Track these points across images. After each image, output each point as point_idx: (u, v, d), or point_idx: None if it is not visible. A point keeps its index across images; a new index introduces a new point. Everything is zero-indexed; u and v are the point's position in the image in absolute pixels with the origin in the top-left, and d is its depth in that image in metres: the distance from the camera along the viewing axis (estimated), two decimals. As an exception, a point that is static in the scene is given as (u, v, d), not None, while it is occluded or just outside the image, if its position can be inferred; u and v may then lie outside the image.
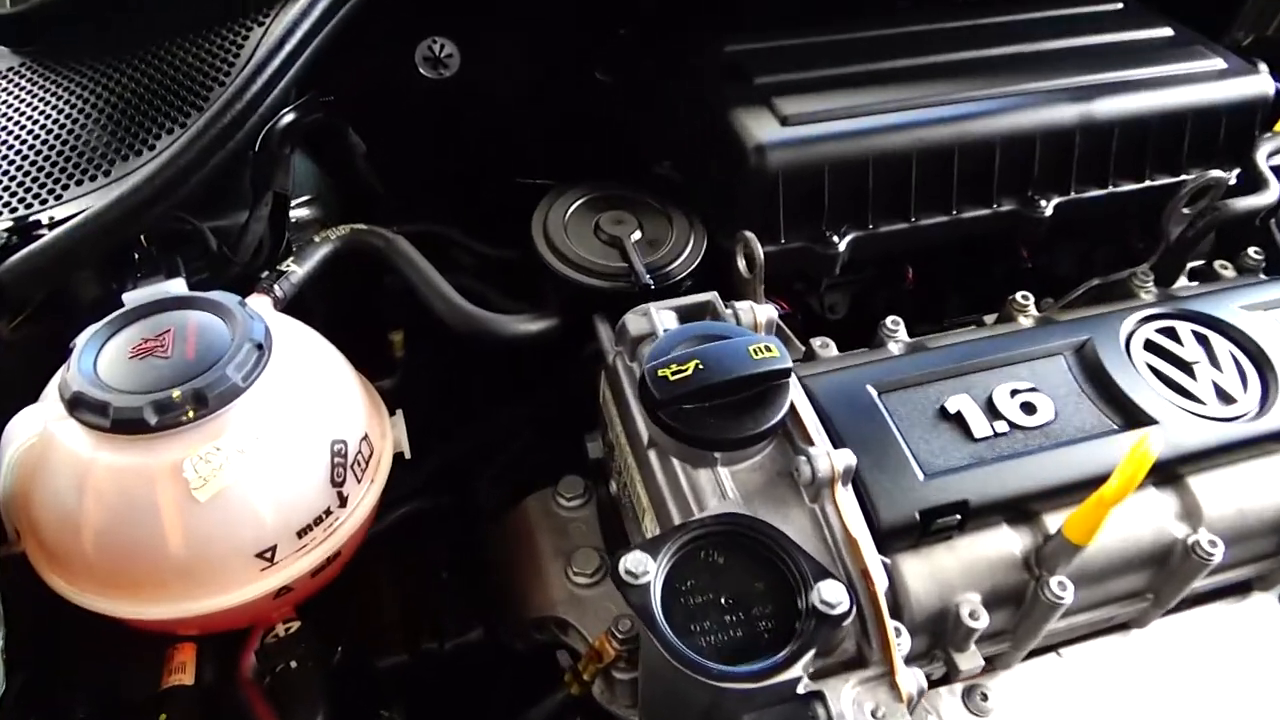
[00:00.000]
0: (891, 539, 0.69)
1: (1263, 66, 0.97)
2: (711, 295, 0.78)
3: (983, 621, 0.69)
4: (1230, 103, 0.95)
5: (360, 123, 0.97)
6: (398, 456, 0.80)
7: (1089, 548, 0.69)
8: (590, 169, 0.94)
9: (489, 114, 1.03)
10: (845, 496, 0.67)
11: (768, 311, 0.76)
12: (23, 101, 0.89)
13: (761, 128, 0.86)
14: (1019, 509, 0.73)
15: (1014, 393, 0.77)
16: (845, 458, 0.66)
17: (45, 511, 0.67)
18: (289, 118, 0.86)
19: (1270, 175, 0.94)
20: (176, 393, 0.64)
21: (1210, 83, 0.95)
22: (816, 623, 0.59)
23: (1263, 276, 0.91)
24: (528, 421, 1.02)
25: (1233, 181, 0.94)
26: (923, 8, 1.01)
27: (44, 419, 0.68)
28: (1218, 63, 0.97)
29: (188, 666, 0.76)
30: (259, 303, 0.77)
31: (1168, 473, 0.75)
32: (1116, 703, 0.78)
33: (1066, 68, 0.94)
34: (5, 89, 0.91)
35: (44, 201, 0.80)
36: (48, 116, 0.87)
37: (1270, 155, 0.96)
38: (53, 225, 0.76)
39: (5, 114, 0.88)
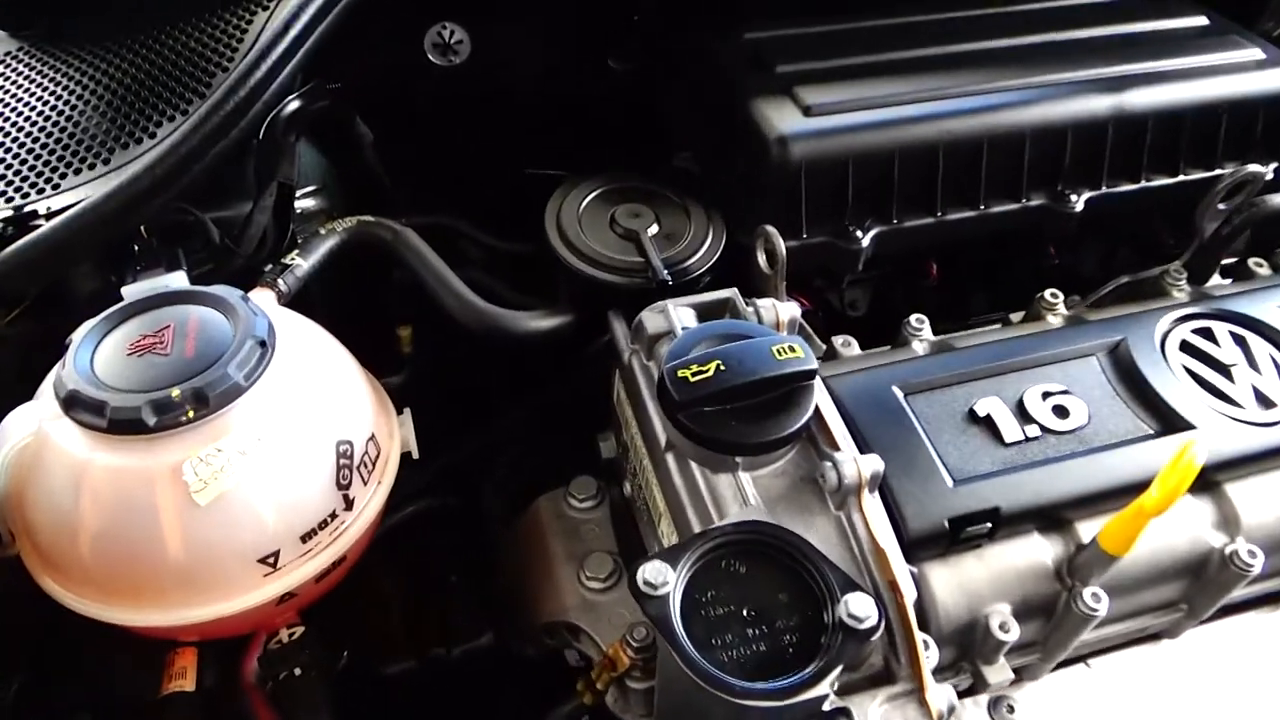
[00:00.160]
0: (919, 548, 0.67)
1: (1303, 57, 0.94)
2: (731, 292, 0.75)
3: (1013, 634, 0.67)
4: (1268, 94, 0.92)
5: (368, 111, 0.95)
6: (405, 456, 0.77)
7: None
8: (605, 160, 0.92)
9: (500, 102, 1.01)
10: (872, 504, 0.64)
11: (790, 309, 0.73)
12: (19, 88, 0.86)
13: (783, 118, 0.83)
14: (1051, 517, 0.70)
15: (1046, 395, 0.74)
16: (873, 463, 0.64)
17: (40, 514, 0.65)
18: (294, 105, 0.84)
19: (1309, 170, 0.91)
20: (176, 392, 0.61)
21: (1247, 73, 0.92)
22: (843, 637, 0.56)
23: (1301, 275, 0.88)
24: (538, 420, 1.00)
25: (1270, 176, 0.91)
26: (951, -7, 0.98)
27: (39, 418, 0.65)
28: (1255, 53, 0.94)
29: (189, 672, 0.73)
30: (262, 297, 0.74)
31: (1205, 479, 0.72)
32: (1147, 715, 0.75)
33: (1099, 57, 0.91)
34: (1, 75, 0.88)
35: (41, 191, 0.78)
36: (45, 103, 0.84)
37: (1309, 149, 0.93)
38: (49, 216, 0.74)
39: (1, 100, 0.85)
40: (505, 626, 0.87)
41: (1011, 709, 0.74)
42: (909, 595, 0.61)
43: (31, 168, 0.79)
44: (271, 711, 0.74)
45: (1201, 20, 0.98)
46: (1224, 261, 0.91)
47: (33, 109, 0.84)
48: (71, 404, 0.62)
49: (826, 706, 0.56)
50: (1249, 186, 0.88)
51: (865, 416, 0.71)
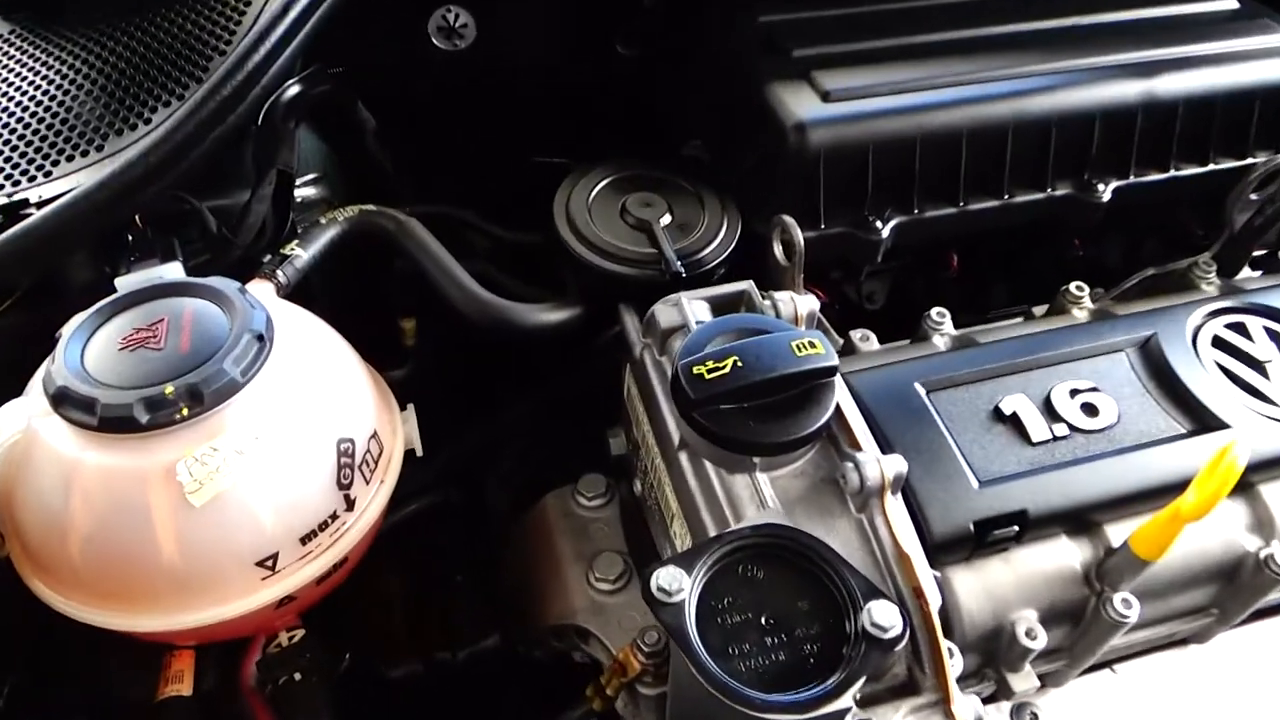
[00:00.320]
0: (943, 552, 0.64)
1: (1339, 42, 0.91)
2: (747, 284, 0.73)
3: (1040, 641, 0.64)
4: (1303, 81, 0.89)
5: (370, 96, 0.92)
6: (408, 454, 0.75)
7: (1154, 562, 0.64)
8: (615, 148, 0.89)
9: (506, 88, 0.98)
10: (895, 506, 0.62)
11: (809, 303, 0.70)
12: (10, 71, 0.84)
13: (801, 104, 0.80)
14: (1079, 519, 0.67)
15: (1074, 392, 0.72)
16: (896, 464, 0.61)
17: (29, 514, 0.63)
18: (294, 90, 0.81)
19: (1345, 160, 0.88)
20: (169, 388, 0.59)
21: (1281, 59, 0.89)
22: (867, 647, 0.54)
23: (1335, 268, 0.85)
24: (544, 414, 0.97)
25: (1303, 166, 0.88)
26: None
27: (28, 414, 0.63)
28: (1289, 37, 0.90)
29: (185, 676, 0.71)
30: (261, 289, 0.72)
31: (1239, 480, 0.69)
32: (1175, 723, 0.73)
33: (1128, 42, 0.88)
34: (-7, 58, 0.86)
35: (32, 179, 0.75)
36: (36, 87, 0.82)
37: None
38: (40, 205, 0.72)
39: (-8, 84, 0.83)
40: (511, 628, 0.84)
41: (1035, 717, 0.71)
42: (934, 602, 0.59)
43: (23, 154, 0.77)
44: (271, 716, 0.71)
45: (1232, 4, 0.95)
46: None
47: (24, 93, 0.81)
48: (61, 401, 0.59)
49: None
50: (1282, 176, 0.85)
51: (887, 415, 0.69)
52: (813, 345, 0.63)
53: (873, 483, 0.60)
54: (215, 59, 0.79)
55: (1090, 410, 0.71)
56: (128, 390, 0.59)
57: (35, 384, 0.65)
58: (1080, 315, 0.82)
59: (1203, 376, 0.73)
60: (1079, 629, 0.68)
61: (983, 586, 0.65)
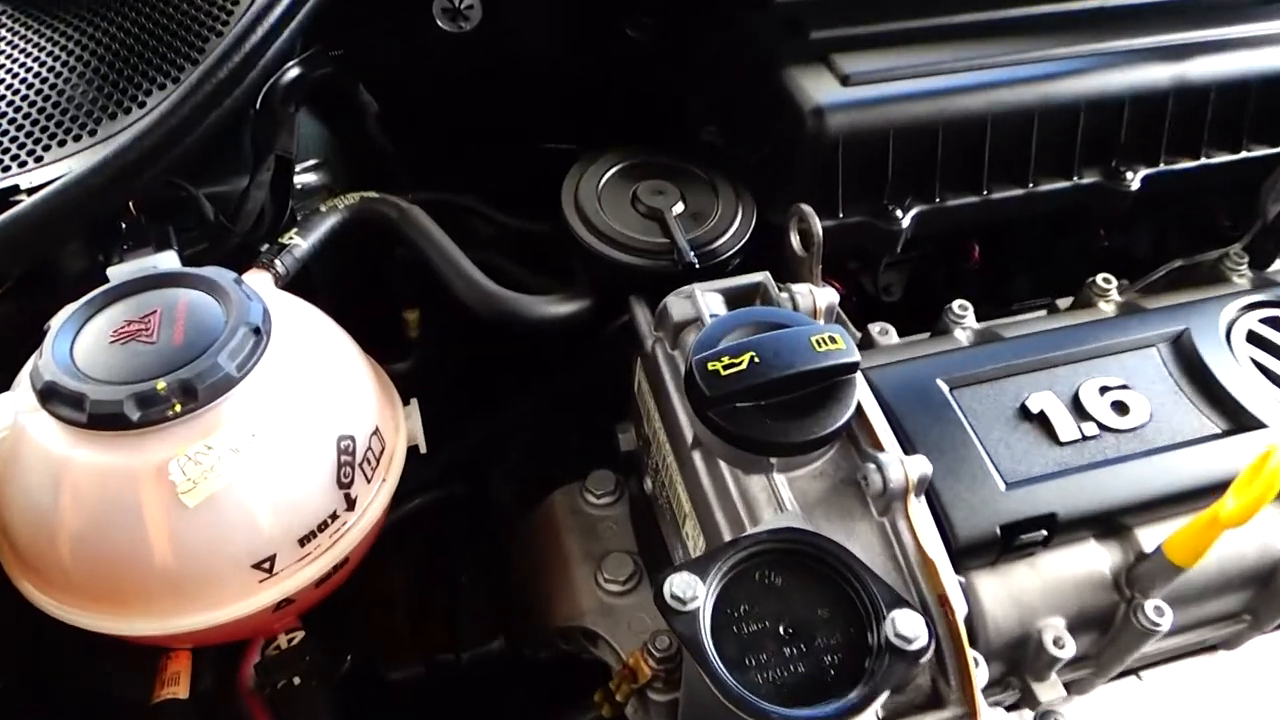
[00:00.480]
0: (968, 556, 0.62)
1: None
2: (763, 276, 0.70)
3: (1069, 650, 0.62)
4: (1341, 65, 0.85)
5: (372, 79, 0.90)
6: (411, 450, 0.72)
7: (1188, 568, 0.61)
8: (625, 134, 0.86)
9: (512, 72, 0.95)
10: (919, 510, 0.59)
11: (828, 295, 0.68)
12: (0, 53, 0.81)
13: (819, 88, 0.77)
14: (1109, 523, 0.65)
15: (1104, 390, 0.69)
16: (920, 465, 0.58)
17: (17, 513, 0.61)
18: (293, 73, 0.78)
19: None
20: (161, 384, 0.56)
21: (1318, 42, 0.85)
22: (890, 659, 0.51)
23: (1373, 260, 0.82)
24: (551, 407, 0.95)
25: (1340, 153, 0.85)
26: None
27: (15, 409, 0.60)
28: (1326, 20, 0.87)
29: (181, 678, 0.69)
30: (258, 279, 0.69)
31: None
32: (1203, 732, 0.71)
33: (1158, 24, 0.85)
34: (-17, 39, 0.83)
35: (22, 164, 0.73)
36: (27, 69, 0.79)
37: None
38: (31, 191, 0.69)
39: (-19, 66, 0.80)
40: (517, 629, 0.82)
41: (1059, 724, 0.69)
42: (960, 611, 0.56)
43: (13, 139, 0.74)
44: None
45: (1267, -16, 0.92)
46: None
47: (14, 75, 0.78)
48: (49, 396, 0.57)
49: (872, 734, 0.52)
50: (1319, 165, 0.82)
51: (908, 412, 0.66)
52: (833, 340, 0.60)
53: (896, 485, 0.58)
54: (212, 40, 0.77)
55: (1121, 409, 0.68)
56: (118, 385, 0.57)
57: (23, 378, 0.63)
58: (1107, 308, 0.79)
59: (1238, 373, 0.70)
60: (1107, 636, 0.65)
61: (1008, 592, 0.63)
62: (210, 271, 0.64)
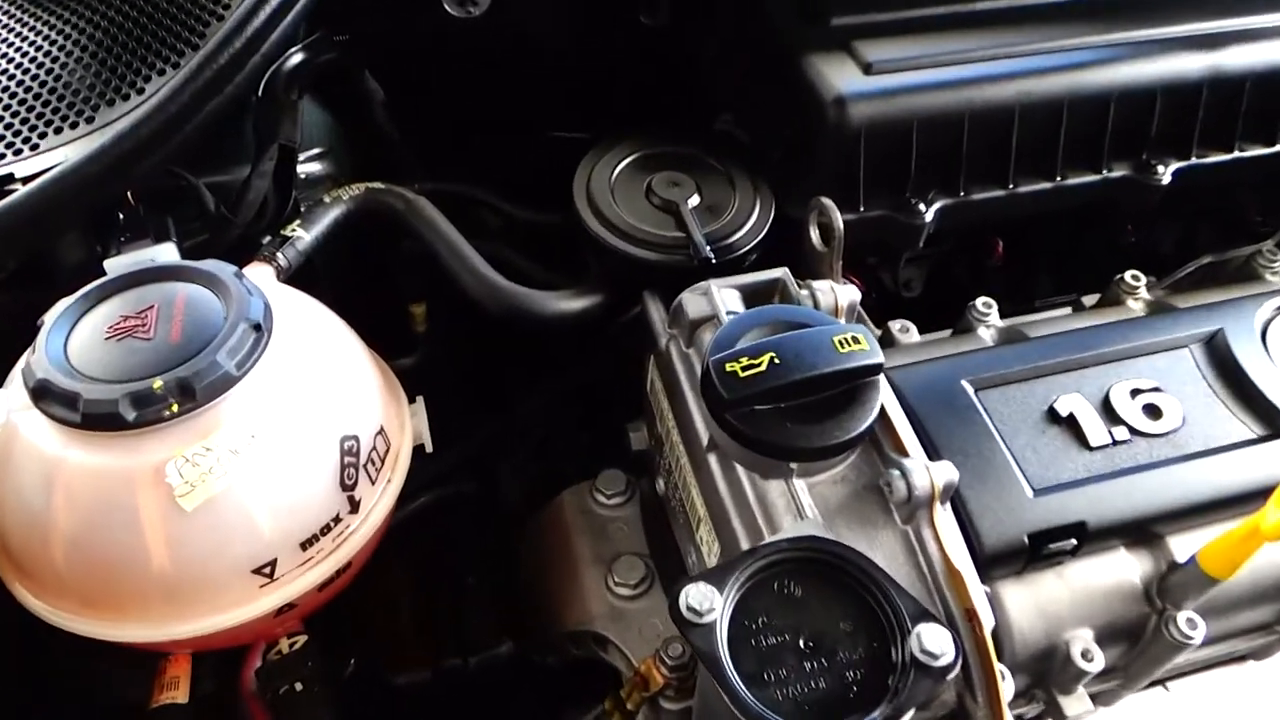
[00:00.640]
0: (994, 565, 0.59)
1: None
2: (782, 272, 0.68)
3: (1097, 663, 0.60)
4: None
5: (378, 66, 0.88)
6: (417, 449, 0.70)
7: (1221, 579, 0.59)
8: (638, 123, 0.83)
9: (523, 58, 0.92)
10: (945, 518, 0.57)
11: (850, 293, 0.65)
12: (-5, 37, 0.79)
13: (841, 77, 0.74)
14: (1140, 531, 0.62)
15: (1135, 392, 0.66)
16: (946, 471, 0.56)
17: (10, 514, 0.59)
18: (297, 58, 0.77)
19: None
20: (158, 383, 0.54)
21: (1357, 31, 0.82)
22: (915, 676, 0.49)
23: None
24: (561, 404, 0.93)
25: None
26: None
27: (8, 408, 0.58)
28: (1364, 7, 0.84)
29: (181, 682, 0.67)
30: (259, 273, 0.67)
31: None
32: (1232, 745, 0.68)
33: (1191, 12, 0.82)
34: (-23, 24, 0.81)
35: (17, 152, 0.71)
36: (23, 54, 0.77)
37: None
38: (26, 180, 0.67)
39: (-25, 52, 0.78)
40: (526, 634, 0.80)
41: (1084, 738, 0.67)
42: (987, 624, 0.54)
43: (8, 126, 0.72)
44: (272, 724, 0.68)
45: (1304, -28, 0.88)
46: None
47: (9, 60, 0.77)
48: (41, 395, 0.55)
49: (896, 754, 0.50)
50: (1357, 158, 0.79)
51: (932, 415, 0.64)
52: (856, 341, 0.58)
53: (921, 492, 0.55)
54: (213, 24, 0.75)
55: (1153, 412, 0.65)
56: (113, 384, 0.55)
57: (16, 375, 0.61)
58: (1136, 306, 0.77)
59: (1274, 375, 0.67)
60: (1137, 649, 0.63)
61: (1035, 603, 0.61)
62: (210, 265, 0.62)
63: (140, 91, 0.73)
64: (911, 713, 0.49)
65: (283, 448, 0.58)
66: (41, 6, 0.80)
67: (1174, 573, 0.61)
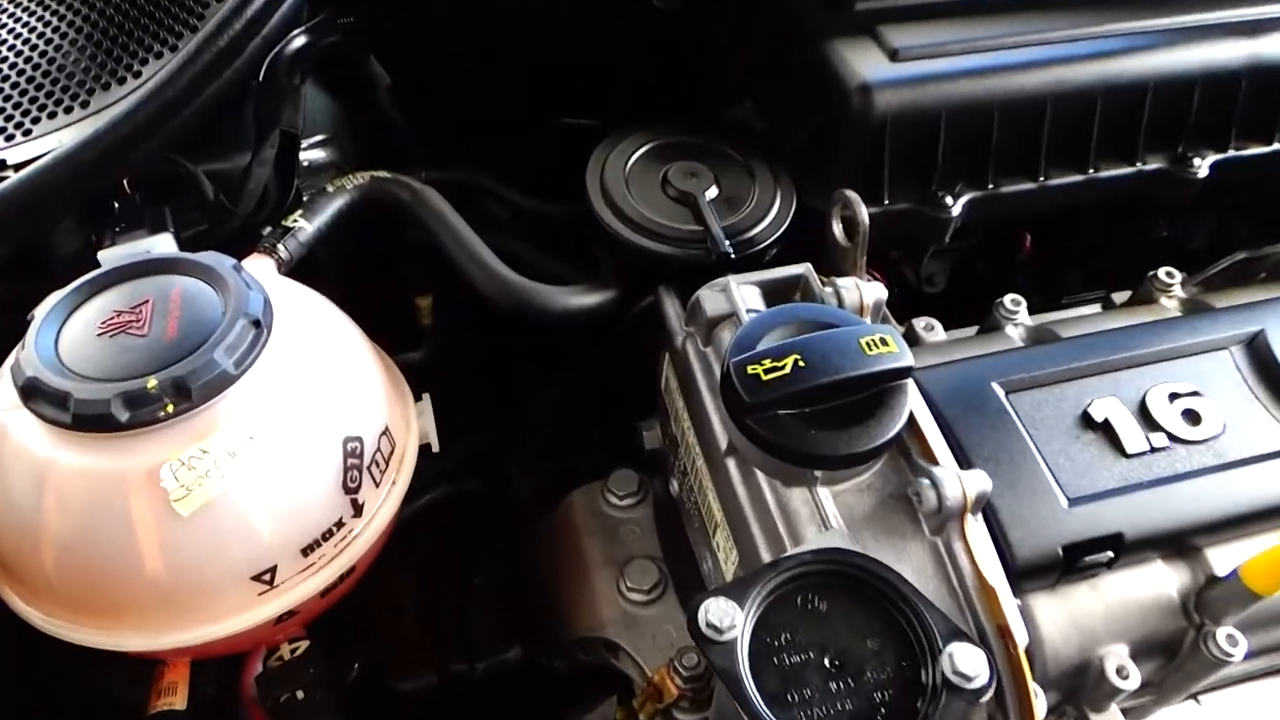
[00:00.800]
0: (1027, 578, 0.57)
1: None
2: (804, 268, 0.65)
3: (1133, 681, 0.57)
4: None
5: (384, 50, 0.85)
6: (423, 449, 0.68)
7: (1263, 592, 0.56)
8: (654, 110, 0.81)
9: (532, 42, 0.89)
10: (977, 530, 0.54)
11: (876, 291, 0.63)
12: (-13, 18, 0.77)
13: (866, 63, 0.72)
14: (1178, 542, 0.60)
15: (1173, 396, 0.63)
16: (979, 481, 0.54)
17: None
18: (300, 42, 0.75)
19: None
20: (152, 381, 0.52)
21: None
22: (947, 698, 0.47)
23: None
24: (572, 400, 0.90)
25: None
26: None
27: (-3, 405, 0.56)
28: None
29: (179, 688, 0.65)
30: (259, 265, 0.65)
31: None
32: (1266, 761, 0.66)
33: (1232, -3, 0.79)
34: (-32, 4, 0.79)
35: (9, 138, 0.69)
36: (15, 35, 0.75)
37: None
38: (18, 167, 0.65)
39: (-33, 33, 0.76)
40: (533, 636, 0.78)
41: (1114, 755, 0.64)
42: (1021, 642, 0.51)
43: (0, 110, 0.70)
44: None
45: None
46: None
47: (2, 42, 0.74)
48: (30, 394, 0.53)
49: (925, 780, 0.47)
50: (1403, 151, 0.76)
51: (961, 419, 0.61)
52: (884, 342, 0.55)
53: (953, 503, 0.53)
54: (212, 5, 0.73)
55: (1192, 417, 0.62)
56: (106, 383, 0.53)
57: (4, 373, 0.59)
58: (1170, 305, 0.74)
59: (1319, 380, 0.65)
60: (1173, 664, 0.60)
61: (1068, 617, 0.58)
62: (207, 257, 0.60)
63: (137, 75, 0.71)
64: (942, 737, 0.47)
65: (283, 450, 0.56)
66: (34, -14, 0.78)
67: (1214, 587, 0.59)
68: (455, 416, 0.73)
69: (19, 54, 0.73)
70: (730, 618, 0.48)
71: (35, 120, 0.69)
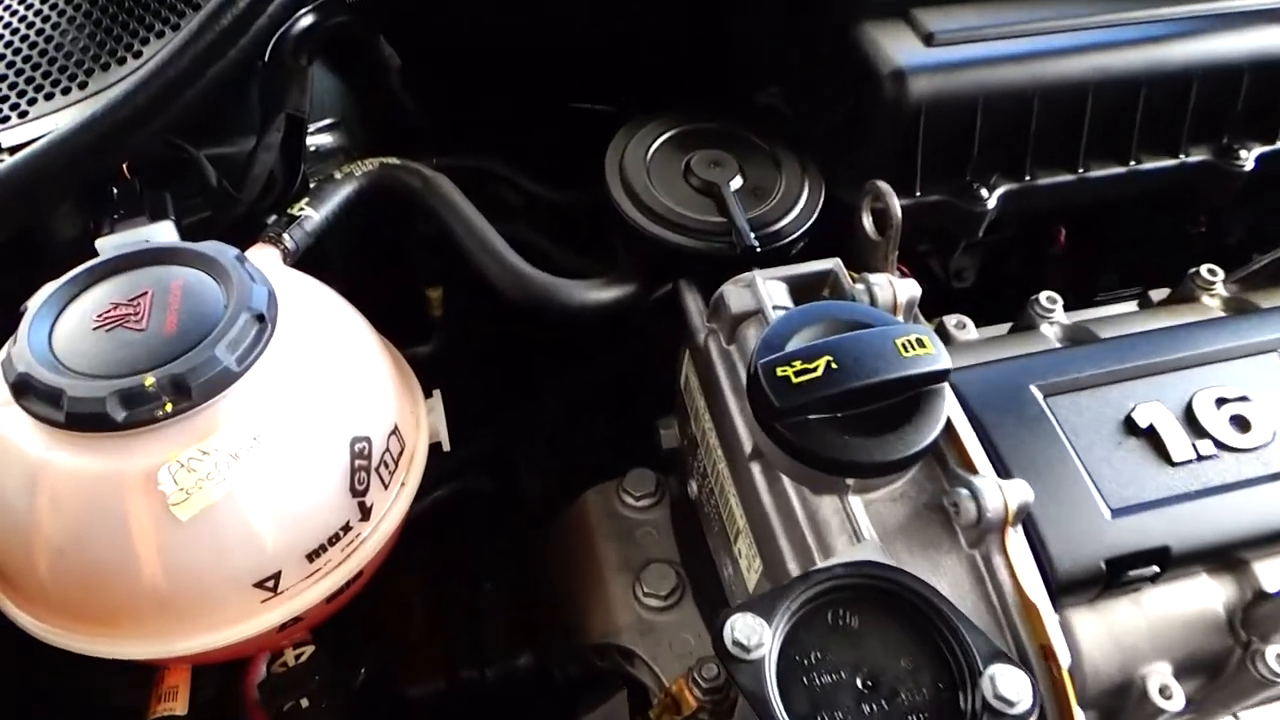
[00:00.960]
0: (1067, 593, 0.54)
1: None
2: (834, 263, 0.63)
3: (1176, 701, 0.54)
4: None
5: (394, 30, 0.82)
6: (434, 447, 0.65)
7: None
8: (676, 95, 0.78)
9: (548, 22, 0.86)
10: (1017, 542, 0.51)
11: (909, 288, 0.60)
12: (-19, -4, 0.75)
13: (899, 48, 0.69)
14: (1226, 556, 0.57)
15: (1220, 402, 0.60)
16: (1020, 492, 0.51)
17: (-9, 518, 0.54)
18: (306, 21, 0.72)
19: None
20: (150, 379, 0.50)
21: None
22: (987, 722, 0.44)
23: None
24: (587, 395, 0.88)
25: None
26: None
27: (-11, 402, 0.54)
28: None
29: (180, 693, 0.64)
30: (264, 256, 0.63)
31: None
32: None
33: (1283, -20, 0.75)
34: (-37, -19, 0.76)
35: (4, 120, 0.68)
36: (13, 13, 0.73)
37: None
38: (14, 150, 0.64)
39: (-39, 12, 0.74)
40: (545, 641, 0.76)
41: (1150, 772, 0.62)
42: (1065, 663, 0.49)
43: (-5, 91, 0.68)
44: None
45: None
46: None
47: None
48: (23, 390, 0.51)
49: (964, 810, 0.45)
50: None
51: (999, 424, 0.58)
52: (920, 344, 0.53)
53: (993, 515, 0.50)
54: (215, -18, 0.69)
55: (1241, 424, 0.59)
56: (101, 380, 0.51)
57: (-3, 366, 0.56)
58: (1212, 304, 0.71)
59: (1374, 386, 0.61)
60: (1217, 683, 0.58)
61: (1110, 633, 0.55)
62: (209, 247, 0.57)
63: (137, 55, 0.69)
64: (983, 765, 0.44)
65: (288, 451, 0.54)
66: (31, -38, 0.75)
67: (1263, 603, 0.56)
68: (467, 412, 0.71)
69: (15, 32, 0.71)
70: (758, 635, 0.46)
71: (32, 102, 0.68)
